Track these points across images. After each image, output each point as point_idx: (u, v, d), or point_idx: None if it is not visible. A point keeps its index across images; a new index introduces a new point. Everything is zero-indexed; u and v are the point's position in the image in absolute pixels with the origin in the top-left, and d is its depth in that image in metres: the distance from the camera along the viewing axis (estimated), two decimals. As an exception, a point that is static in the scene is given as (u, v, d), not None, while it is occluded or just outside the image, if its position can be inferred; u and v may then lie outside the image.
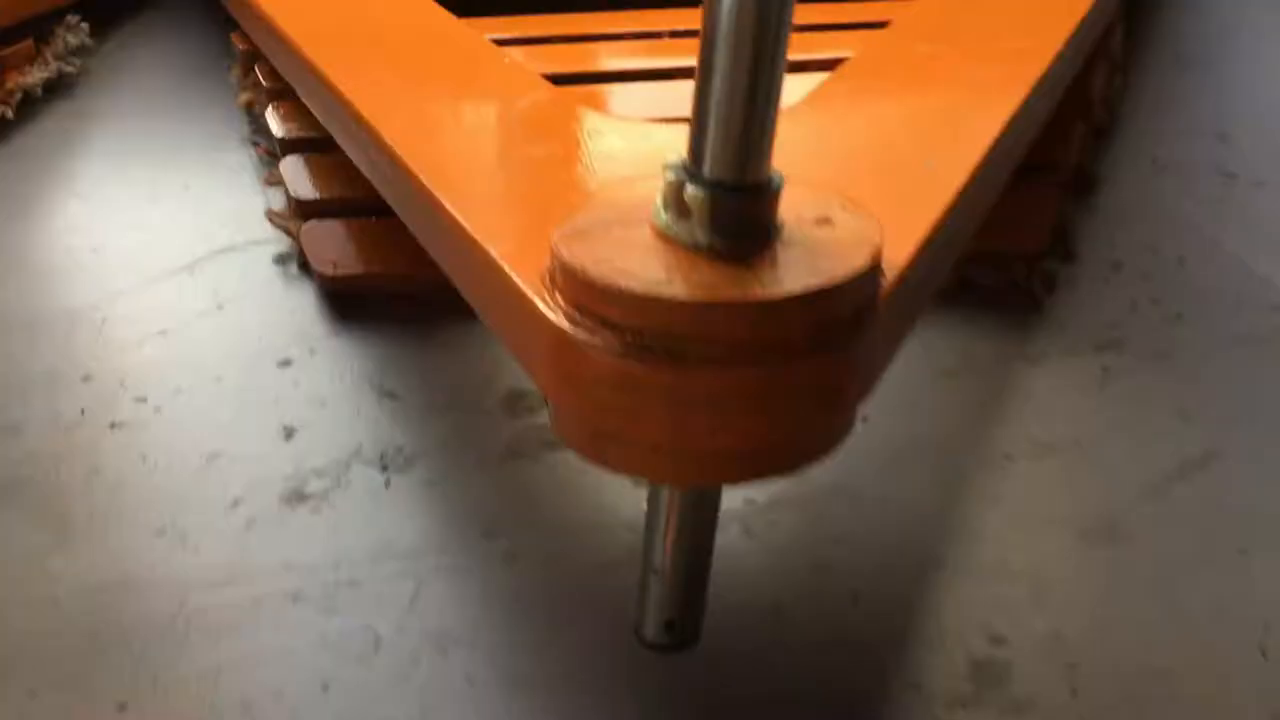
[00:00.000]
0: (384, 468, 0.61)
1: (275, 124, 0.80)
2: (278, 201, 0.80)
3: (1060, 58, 0.65)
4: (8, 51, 0.92)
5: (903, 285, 0.42)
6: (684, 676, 0.50)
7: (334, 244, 0.72)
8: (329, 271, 0.70)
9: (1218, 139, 0.85)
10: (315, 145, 0.78)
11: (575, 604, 0.54)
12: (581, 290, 0.38)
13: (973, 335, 0.68)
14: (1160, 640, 0.51)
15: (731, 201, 0.38)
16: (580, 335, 0.38)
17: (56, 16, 0.97)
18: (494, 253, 0.43)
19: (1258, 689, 0.49)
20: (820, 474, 0.58)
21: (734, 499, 0.58)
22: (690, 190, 0.38)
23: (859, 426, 0.61)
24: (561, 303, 0.39)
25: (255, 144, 0.87)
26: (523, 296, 0.41)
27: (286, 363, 0.68)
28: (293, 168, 0.76)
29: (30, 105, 0.93)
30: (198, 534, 0.57)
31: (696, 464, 0.39)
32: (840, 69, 0.63)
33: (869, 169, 0.51)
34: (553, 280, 0.40)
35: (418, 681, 0.50)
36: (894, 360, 0.66)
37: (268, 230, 0.78)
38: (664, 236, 0.39)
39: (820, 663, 0.51)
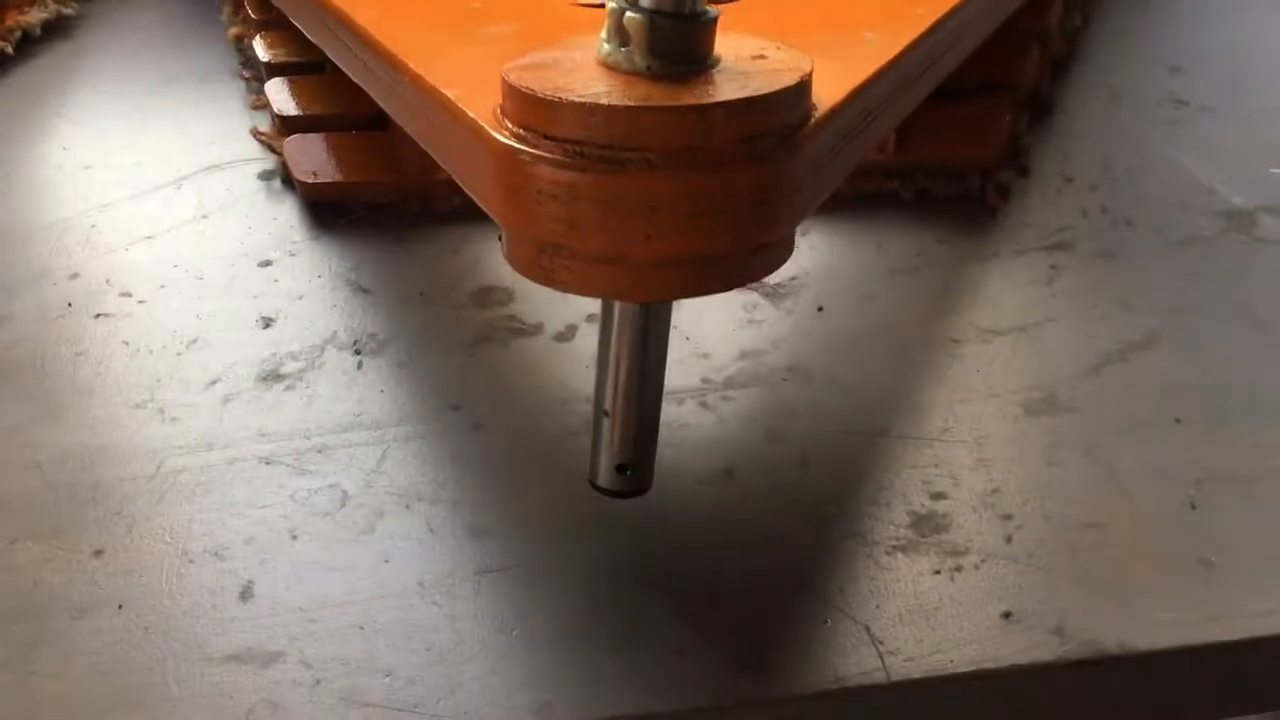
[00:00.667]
0: (357, 351, 0.63)
1: (261, 50, 0.83)
2: (264, 124, 0.83)
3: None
4: (5, -10, 0.95)
5: (833, 121, 0.44)
6: (636, 527, 0.52)
7: (315, 155, 0.75)
8: (309, 180, 0.73)
9: (1171, 71, 0.88)
10: (299, 69, 0.81)
11: (537, 466, 0.56)
12: (527, 109, 0.41)
13: (928, 238, 0.70)
14: (1094, 497, 0.53)
15: (668, 25, 0.41)
16: (525, 151, 0.40)
17: (55, -40, 1.01)
18: (451, 95, 0.46)
19: (1186, 536, 0.51)
20: (774, 358, 0.61)
21: (690, 377, 0.60)
22: (629, 15, 0.41)
23: (813, 315, 0.64)
24: (509, 126, 0.42)
25: (244, 76, 0.90)
26: (476, 127, 0.43)
27: (267, 263, 0.71)
28: (277, 88, 0.79)
29: (29, 44, 0.96)
30: (176, 408, 0.60)
31: (636, 274, 0.41)
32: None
33: (812, 40, 0.53)
34: (503, 111, 0.42)
35: (381, 531, 0.53)
36: (848, 253, 0.69)
37: (253, 149, 0.81)
38: (606, 65, 0.42)
39: (768, 518, 0.53)
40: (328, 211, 0.75)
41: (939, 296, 0.66)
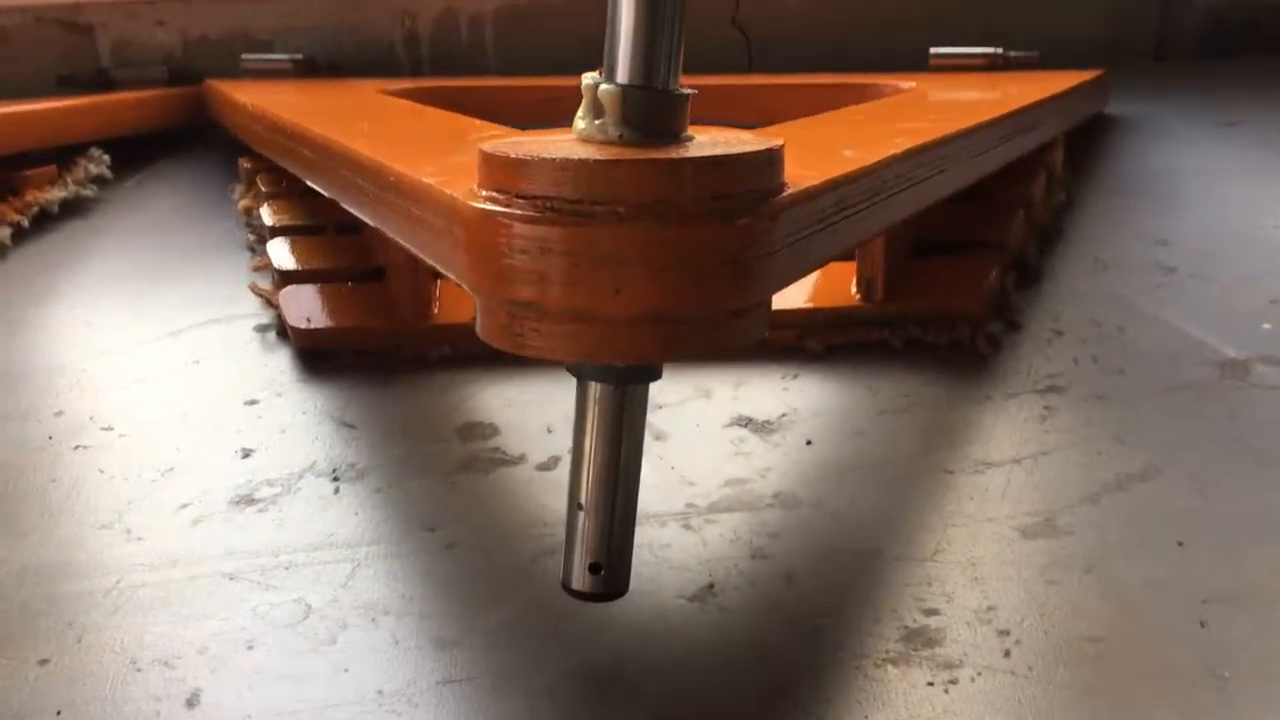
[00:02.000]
0: (335, 478, 0.62)
1: (267, 215, 0.85)
2: (265, 284, 0.84)
3: (977, 131, 0.70)
4: (31, 172, 0.99)
5: (806, 200, 0.45)
6: (611, 641, 0.49)
7: (309, 304, 0.76)
8: (303, 325, 0.74)
9: (1158, 244, 0.89)
10: (299, 230, 0.83)
11: (510, 583, 0.54)
12: (500, 172, 0.41)
13: (918, 382, 0.70)
14: (1096, 613, 0.50)
15: (641, 98, 0.42)
16: (497, 211, 0.41)
17: (82, 149, 1.05)
18: (430, 180, 0.47)
19: (1196, 651, 0.48)
20: (761, 486, 0.60)
21: (674, 503, 0.59)
22: (604, 88, 0.42)
23: (801, 449, 0.63)
24: (482, 191, 0.42)
25: (251, 250, 0.92)
26: (451, 200, 0.44)
27: (253, 402, 0.70)
28: (278, 247, 0.81)
29: (46, 220, 1.00)
30: (142, 529, 0.58)
31: (606, 333, 0.41)
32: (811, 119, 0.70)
33: (797, 152, 0.55)
34: (477, 184, 0.43)
35: (343, 643, 0.50)
36: (838, 394, 0.68)
37: (252, 307, 0.82)
38: (581, 138, 0.43)
39: (751, 632, 0.50)
40: (319, 358, 0.75)
41: (930, 433, 0.65)
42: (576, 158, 0.39)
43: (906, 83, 1.02)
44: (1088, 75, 1.10)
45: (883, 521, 0.57)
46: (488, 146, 0.42)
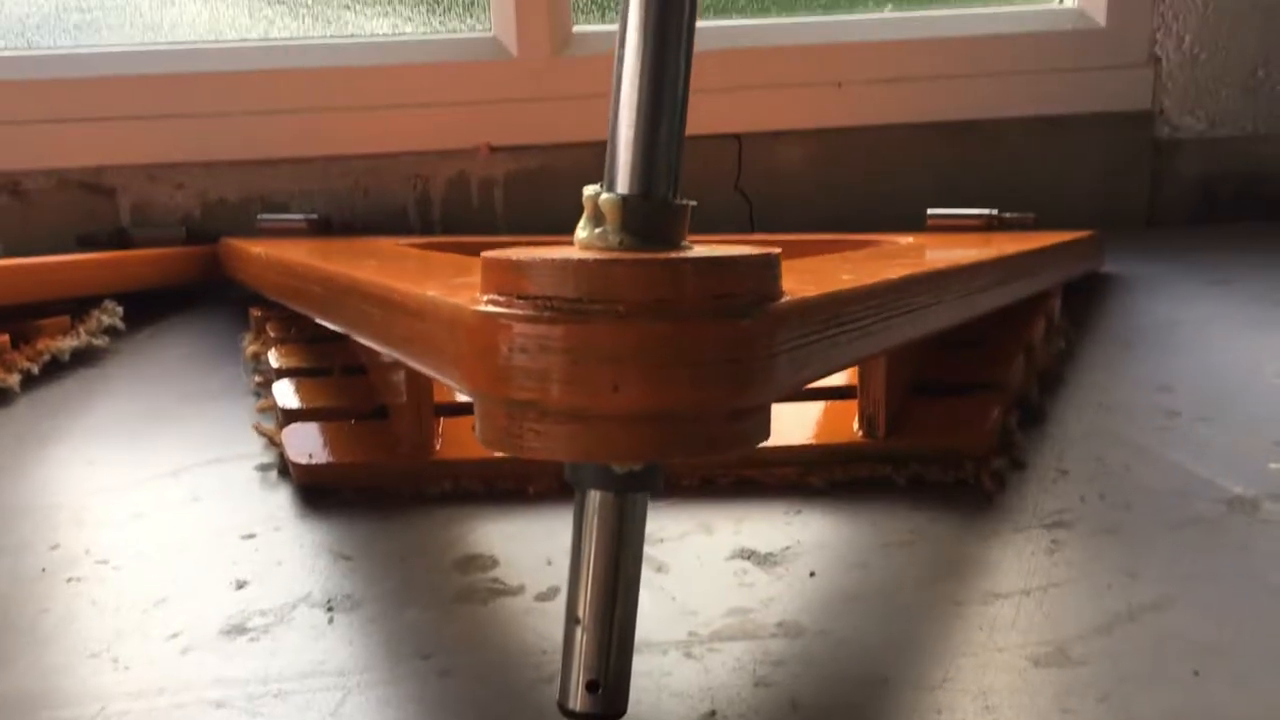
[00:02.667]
0: (329, 608, 0.61)
1: (274, 358, 0.86)
2: (270, 424, 0.84)
3: (971, 269, 0.72)
4: (45, 322, 1.01)
5: (805, 308, 0.45)
6: (610, 768, 0.47)
7: (311, 440, 0.75)
8: (304, 461, 0.73)
9: (1161, 389, 0.89)
10: (305, 373, 0.84)
11: (505, 711, 0.52)
12: (502, 276, 0.42)
13: (922, 518, 0.69)
14: (1114, 743, 0.48)
15: (640, 206, 0.43)
16: (498, 312, 0.41)
17: (96, 301, 1.07)
18: (432, 293, 0.48)
19: (1218, 780, 0.46)
20: (764, 615, 0.59)
21: (676, 631, 0.57)
22: (605, 196, 0.43)
23: (805, 579, 0.62)
24: (484, 297, 0.43)
25: (257, 393, 0.93)
26: (453, 306, 0.45)
27: (250, 536, 0.69)
28: (283, 387, 0.82)
29: (58, 368, 1.01)
30: (131, 658, 0.57)
31: (604, 432, 0.41)
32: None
33: (798, 277, 0.56)
34: (480, 290, 0.44)
35: (331, 769, 0.48)
36: (841, 528, 0.67)
37: (255, 448, 0.82)
38: (582, 245, 0.44)
39: (755, 761, 0.48)
40: (320, 494, 0.74)
41: (935, 566, 0.63)
42: (576, 258, 0.40)
43: (905, 239, 1.05)
44: (1081, 234, 1.13)
45: (889, 650, 0.56)
46: (490, 254, 0.43)
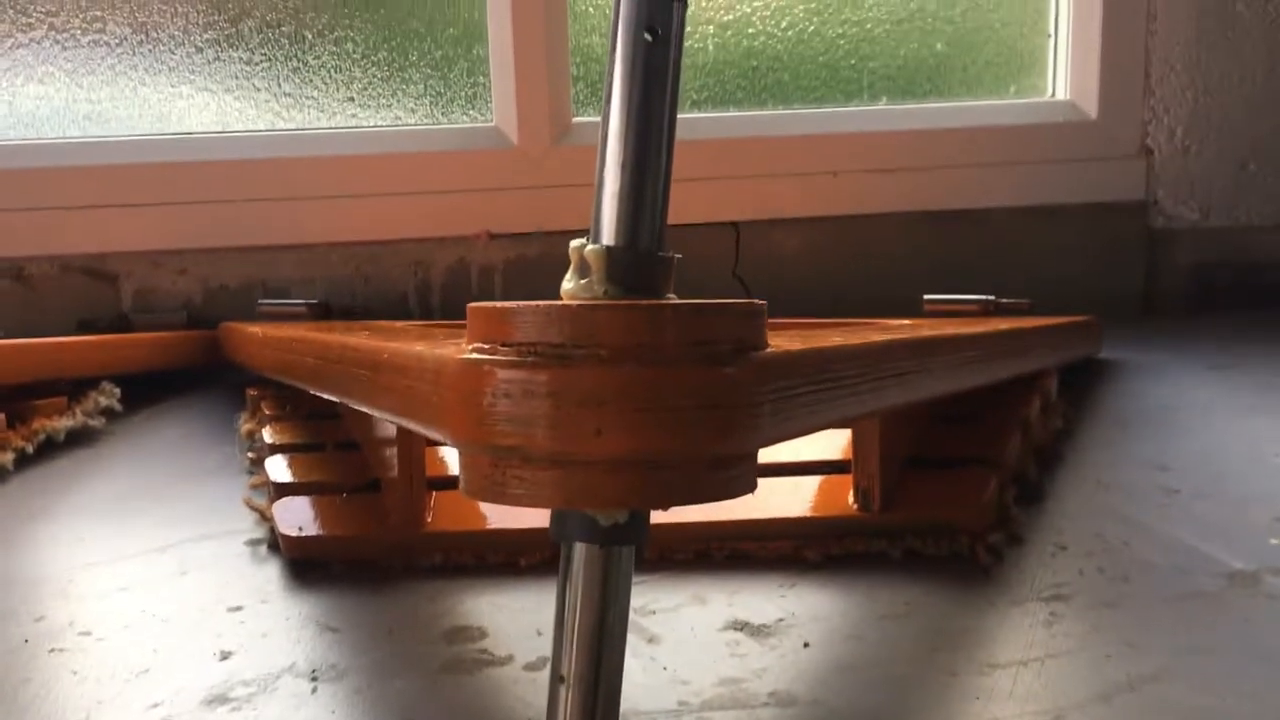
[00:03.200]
0: (314, 679, 0.60)
1: (268, 435, 0.86)
2: (261, 499, 0.84)
3: (962, 340, 0.72)
4: (41, 402, 1.01)
5: (790, 360, 0.45)
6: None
7: (302, 514, 0.75)
8: (294, 534, 0.73)
9: (1159, 469, 0.89)
10: (296, 449, 0.84)
11: (488, 780, 0.51)
12: (487, 324, 0.42)
13: (918, 591, 0.68)
14: (1115, 813, 0.47)
15: (625, 257, 0.43)
16: (482, 359, 0.41)
17: (94, 383, 1.08)
18: (419, 349, 0.48)
19: None
20: (756, 685, 0.58)
21: (665, 700, 0.56)
22: (590, 248, 0.44)
23: (799, 650, 0.61)
24: (469, 345, 0.43)
25: (250, 471, 0.92)
26: (439, 358, 0.45)
27: (237, 608, 0.68)
28: (276, 463, 0.82)
29: (52, 448, 1.00)
30: (109, 726, 0.56)
31: (587, 478, 0.40)
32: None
33: (791, 337, 0.56)
34: (465, 342, 0.44)
35: (307, 837, 0.47)
36: (836, 600, 0.66)
37: (245, 524, 0.81)
38: (568, 295, 0.44)
39: (745, 831, 0.47)
40: (309, 567, 0.73)
41: (931, 637, 0.62)
42: (560, 304, 0.40)
43: (903, 322, 1.05)
44: (1077, 319, 1.13)
45: (884, 719, 0.54)
46: (476, 304, 0.43)
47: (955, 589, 0.69)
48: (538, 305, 0.41)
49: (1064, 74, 1.44)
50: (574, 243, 0.45)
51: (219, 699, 0.58)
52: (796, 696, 0.56)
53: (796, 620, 0.65)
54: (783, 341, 0.48)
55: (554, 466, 0.40)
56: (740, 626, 0.64)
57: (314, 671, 0.61)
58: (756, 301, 0.43)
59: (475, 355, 0.42)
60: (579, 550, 0.44)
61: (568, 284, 0.45)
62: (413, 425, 0.50)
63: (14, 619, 0.68)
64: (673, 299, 0.44)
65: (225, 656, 0.63)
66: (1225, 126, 1.45)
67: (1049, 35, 1.47)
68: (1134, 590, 0.68)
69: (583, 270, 0.44)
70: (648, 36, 0.45)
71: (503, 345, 0.41)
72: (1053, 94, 1.47)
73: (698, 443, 0.41)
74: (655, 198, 0.44)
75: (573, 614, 0.45)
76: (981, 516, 0.72)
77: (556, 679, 0.45)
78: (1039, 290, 1.35)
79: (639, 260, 0.44)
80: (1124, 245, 1.46)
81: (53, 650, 0.64)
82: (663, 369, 0.40)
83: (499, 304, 0.42)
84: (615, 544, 0.44)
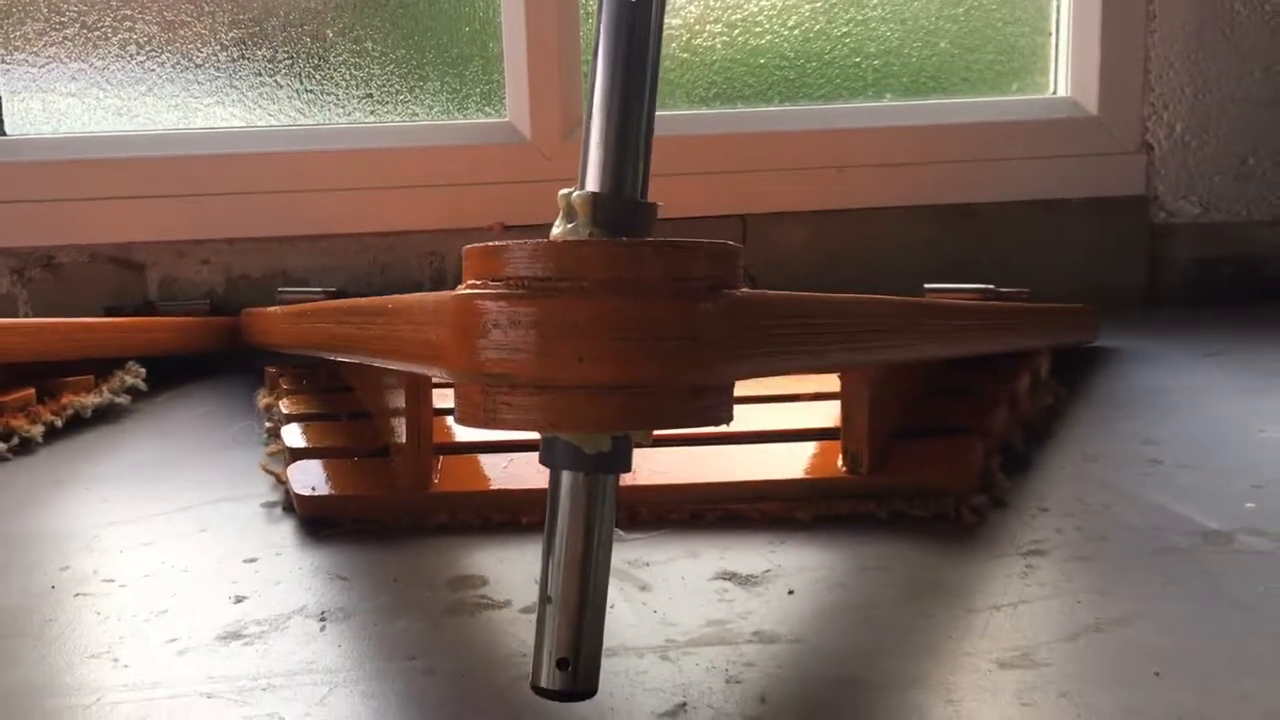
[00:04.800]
0: (322, 619, 0.63)
1: (285, 406, 0.90)
2: (277, 466, 0.87)
3: (948, 308, 0.75)
4: (70, 379, 1.05)
5: (768, 300, 0.48)
6: (581, 750, 0.49)
7: (315, 475, 0.78)
8: (307, 493, 0.76)
9: (1145, 443, 0.91)
10: (311, 418, 0.87)
11: (485, 704, 0.54)
12: (480, 262, 0.46)
13: (902, 546, 0.70)
14: (1073, 734, 0.49)
15: (610, 203, 0.47)
16: (475, 293, 0.45)
17: (121, 363, 1.12)
18: (423, 299, 0.51)
19: (1171, 764, 0.47)
20: (741, 626, 0.61)
21: (654, 639, 0.59)
22: (575, 194, 0.47)
23: (783, 597, 0.64)
24: (465, 283, 0.46)
25: (267, 442, 0.96)
26: (438, 297, 0.48)
27: (252, 560, 0.72)
28: (291, 430, 0.85)
29: (79, 424, 1.05)
30: (129, 658, 0.59)
31: (569, 402, 0.43)
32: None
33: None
34: (461, 282, 0.47)
35: (313, 750, 0.50)
36: (822, 554, 0.69)
37: (261, 489, 0.85)
38: (555, 239, 0.47)
39: (722, 748, 0.49)
40: (322, 525, 0.77)
41: (911, 586, 0.65)
42: (546, 241, 0.44)
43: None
44: (1074, 306, 1.16)
45: (860, 655, 0.57)
46: (472, 245, 0.47)
47: (938, 545, 0.71)
48: (525, 242, 0.44)
49: (1065, 71, 1.47)
50: (561, 191, 0.48)
51: (233, 635, 0.61)
52: (779, 635, 0.59)
53: (783, 572, 0.68)
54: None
55: (539, 392, 0.44)
56: (729, 577, 0.67)
57: (323, 613, 0.64)
58: (732, 244, 0.47)
59: (468, 291, 0.45)
60: (565, 478, 0.48)
61: (556, 229, 0.48)
62: (414, 367, 0.53)
63: (40, 569, 0.72)
64: (654, 239, 0.47)
65: (239, 600, 0.66)
66: (1224, 122, 1.47)
67: (1050, 34, 1.50)
68: (1109, 547, 0.70)
69: (569, 215, 0.47)
70: None
71: (493, 280, 0.45)
72: (1054, 91, 1.50)
73: (674, 372, 0.44)
74: (638, 147, 0.47)
75: (561, 538, 0.48)
76: (967, 480, 0.75)
77: (544, 599, 0.48)
78: (1044, 283, 1.37)
79: (622, 206, 0.47)
80: (1126, 239, 1.49)
81: (77, 595, 0.68)
82: (641, 301, 0.43)
83: (492, 243, 0.45)
84: (599, 471, 0.47)
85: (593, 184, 0.47)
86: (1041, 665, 0.55)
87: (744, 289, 0.47)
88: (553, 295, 0.43)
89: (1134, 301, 1.49)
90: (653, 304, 0.43)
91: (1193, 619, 0.60)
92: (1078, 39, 1.45)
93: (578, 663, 0.48)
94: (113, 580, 0.70)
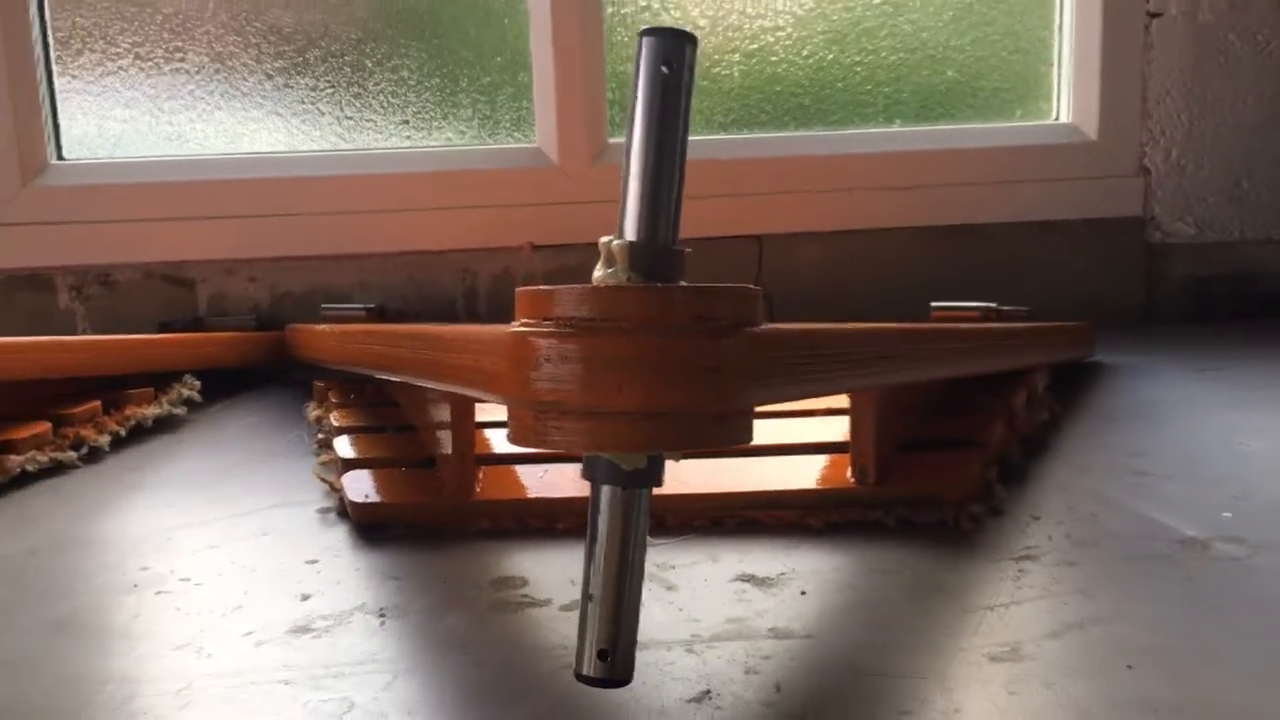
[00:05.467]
0: (381, 615, 0.70)
1: (335, 419, 0.97)
2: (329, 475, 0.94)
3: (947, 334, 0.82)
4: (132, 391, 1.13)
5: (782, 336, 0.55)
6: (618, 730, 0.56)
7: (367, 484, 0.86)
8: (361, 500, 0.83)
9: (1135, 455, 0.97)
10: (360, 430, 0.95)
11: (531, 689, 0.61)
12: (533, 303, 0.53)
13: (907, 551, 0.77)
14: (1052, 719, 0.56)
15: (645, 250, 0.53)
16: (529, 330, 0.52)
17: (176, 376, 1.19)
18: (480, 333, 0.58)
19: (1137, 744, 0.53)
20: (759, 623, 0.67)
21: (679, 634, 0.66)
22: (616, 243, 0.54)
23: (797, 597, 0.70)
24: (518, 321, 0.53)
25: (318, 452, 1.03)
26: (496, 332, 0.55)
27: (314, 561, 0.79)
28: (343, 442, 0.92)
29: (141, 433, 1.12)
30: (212, 649, 0.66)
31: (612, 426, 0.50)
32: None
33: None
34: (515, 320, 0.54)
35: (382, 728, 0.57)
36: (833, 559, 0.76)
37: (315, 496, 0.92)
38: (597, 283, 0.54)
39: (742, 729, 0.56)
40: (374, 530, 0.84)
41: (914, 588, 0.72)
42: (591, 287, 0.51)
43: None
44: (1068, 324, 1.22)
45: (866, 649, 0.64)
46: (524, 288, 0.54)
47: (939, 550, 0.78)
48: (573, 288, 0.51)
49: (1066, 98, 1.54)
50: (603, 239, 0.55)
51: (303, 629, 0.69)
52: (793, 631, 0.66)
53: (797, 574, 0.74)
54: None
55: (584, 418, 0.50)
56: (747, 579, 0.74)
57: (381, 610, 0.71)
58: (752, 287, 0.53)
59: (522, 329, 0.52)
60: (605, 491, 0.54)
61: (598, 273, 0.55)
62: (471, 391, 0.60)
63: (121, 569, 0.79)
64: (684, 284, 0.54)
65: (305, 598, 0.73)
66: (1219, 147, 1.54)
67: (1052, 63, 1.57)
68: (1095, 552, 0.77)
69: (609, 261, 0.54)
70: (664, 69, 0.55)
71: (544, 320, 0.51)
72: (1056, 117, 1.57)
73: (701, 400, 0.51)
74: (670, 200, 0.54)
75: (601, 544, 0.54)
76: (965, 489, 0.82)
77: (586, 597, 0.55)
78: (1045, 301, 1.44)
79: (656, 252, 0.53)
80: (1124, 259, 1.55)
81: (159, 592, 0.75)
82: (673, 339, 0.50)
83: (542, 287, 0.52)
84: (636, 486, 0.54)
85: (630, 233, 0.54)
86: (1028, 659, 0.62)
87: (762, 324, 0.54)
88: (596, 334, 0.50)
89: (1132, 318, 1.55)
90: (682, 341, 0.50)
91: (1167, 618, 0.67)
92: (1079, 68, 1.52)
93: (616, 654, 0.54)
94: (188, 579, 0.77)
